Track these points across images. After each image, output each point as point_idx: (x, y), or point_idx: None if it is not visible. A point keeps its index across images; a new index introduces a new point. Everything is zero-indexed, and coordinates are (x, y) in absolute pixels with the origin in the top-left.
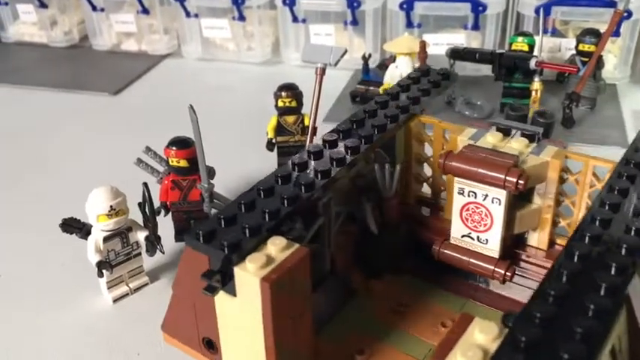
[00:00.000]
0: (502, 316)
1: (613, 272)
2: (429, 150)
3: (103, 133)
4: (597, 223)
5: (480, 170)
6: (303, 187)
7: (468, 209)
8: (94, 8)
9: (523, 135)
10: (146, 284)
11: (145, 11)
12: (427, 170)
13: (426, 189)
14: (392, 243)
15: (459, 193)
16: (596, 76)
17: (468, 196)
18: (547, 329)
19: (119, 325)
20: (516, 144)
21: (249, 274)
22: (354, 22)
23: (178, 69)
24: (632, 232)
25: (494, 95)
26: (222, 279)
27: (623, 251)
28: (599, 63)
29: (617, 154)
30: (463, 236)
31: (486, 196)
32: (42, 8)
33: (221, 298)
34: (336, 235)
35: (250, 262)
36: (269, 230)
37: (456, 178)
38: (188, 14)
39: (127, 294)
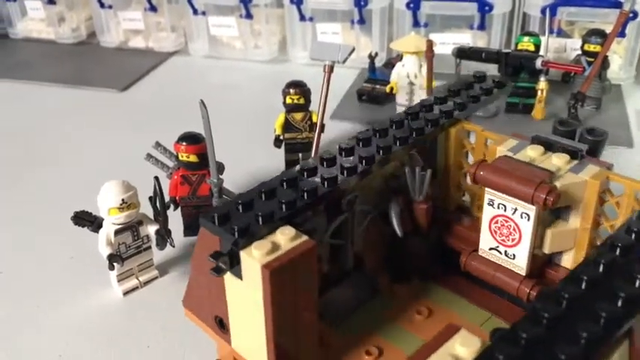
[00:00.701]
0: (491, 331)
1: (619, 303)
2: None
3: (111, 129)
4: (616, 249)
5: (510, 183)
6: (326, 182)
7: (497, 222)
8: (102, 5)
9: (566, 151)
10: (156, 278)
11: (153, 9)
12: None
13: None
14: (418, 248)
15: (488, 204)
16: (602, 77)
17: (498, 208)
18: (529, 351)
19: (129, 318)
20: (557, 160)
21: (253, 260)
22: (361, 21)
23: (185, 66)
24: None
25: (500, 94)
26: (230, 261)
27: (638, 283)
28: (605, 63)
29: (621, 153)
30: (491, 249)
31: (515, 210)
32: (50, 4)
33: (230, 280)
34: (366, 234)
35: (256, 249)
36: (282, 219)
37: (486, 189)
38: (195, 12)
39: (137, 287)
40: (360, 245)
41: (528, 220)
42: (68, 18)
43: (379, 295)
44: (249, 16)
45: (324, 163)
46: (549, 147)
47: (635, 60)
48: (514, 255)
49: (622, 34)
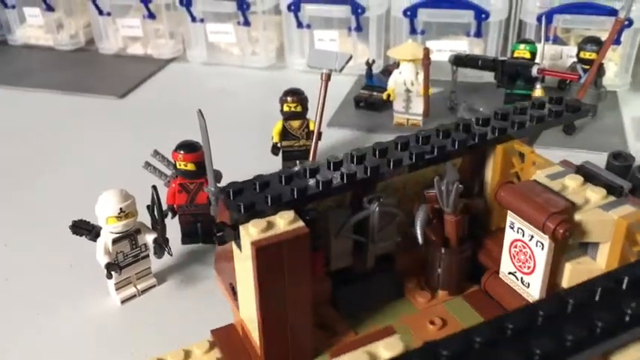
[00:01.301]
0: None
1: (558, 344)
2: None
3: (110, 136)
4: (591, 290)
5: (525, 208)
6: (345, 177)
7: (516, 246)
8: (101, 12)
9: (606, 186)
10: (154, 286)
11: (151, 16)
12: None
13: None
14: (447, 260)
15: (509, 227)
16: (597, 84)
17: (517, 232)
18: None
19: (127, 327)
20: (591, 193)
21: (247, 235)
22: (358, 29)
23: (183, 73)
24: (624, 316)
25: (496, 102)
26: (231, 234)
27: (593, 329)
28: (600, 71)
29: None
30: (509, 273)
31: (532, 237)
32: (48, 11)
33: (236, 251)
34: (402, 237)
35: (253, 226)
36: (289, 204)
37: (508, 212)
38: (194, 19)
39: (135, 295)
40: (392, 247)
41: (542, 249)
42: (67, 25)
43: (403, 299)
44: (246, 23)
45: (354, 160)
46: (591, 179)
47: (631, 67)
48: (529, 284)
49: (617, 42)
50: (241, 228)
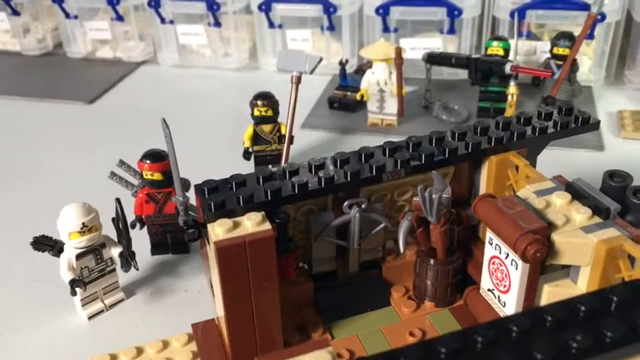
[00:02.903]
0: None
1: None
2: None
3: (78, 144)
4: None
5: (500, 225)
6: (322, 181)
7: (494, 263)
8: (68, 16)
9: (593, 206)
10: (122, 300)
11: (120, 18)
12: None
13: None
14: (429, 270)
15: (489, 242)
16: (571, 80)
17: (495, 248)
18: None
19: (95, 343)
20: (576, 213)
21: (212, 234)
22: (331, 28)
23: (154, 76)
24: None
25: (471, 99)
26: (197, 232)
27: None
28: (574, 66)
29: (591, 156)
30: (489, 290)
31: (508, 255)
32: (14, 15)
33: (209, 248)
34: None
35: (219, 225)
36: (262, 205)
37: (488, 227)
38: (163, 21)
39: (103, 310)
40: (378, 254)
41: (516, 268)
42: (33, 29)
43: (389, 307)
44: (217, 24)
45: (336, 163)
46: (579, 197)
47: (605, 61)
48: (505, 302)
49: (591, 37)
50: (209, 227)
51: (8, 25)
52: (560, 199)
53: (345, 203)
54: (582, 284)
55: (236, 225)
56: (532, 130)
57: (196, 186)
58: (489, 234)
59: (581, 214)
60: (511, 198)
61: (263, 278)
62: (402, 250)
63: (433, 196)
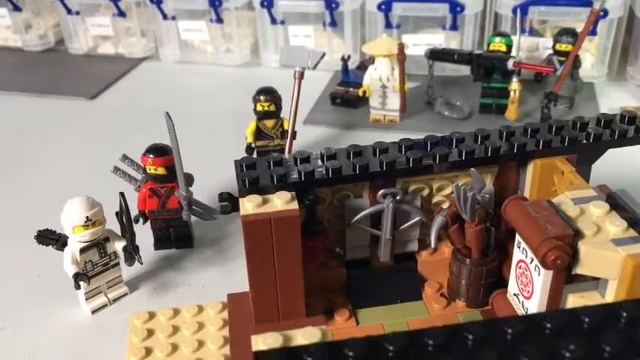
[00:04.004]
0: None
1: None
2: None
3: (80, 139)
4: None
5: (526, 228)
6: (357, 168)
7: (520, 267)
8: (69, 11)
9: (630, 219)
10: (125, 294)
11: (122, 14)
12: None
13: None
14: (462, 269)
15: (517, 245)
16: (574, 76)
17: (522, 252)
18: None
19: (99, 337)
20: (611, 225)
21: (242, 208)
22: (333, 24)
23: (156, 72)
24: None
25: (473, 95)
26: (232, 205)
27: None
28: (576, 62)
29: None
30: (514, 294)
31: (532, 260)
32: (16, 11)
33: None
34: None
35: (249, 201)
36: (295, 184)
37: (516, 230)
38: (165, 17)
39: (106, 305)
40: (414, 247)
41: (539, 275)
42: (35, 25)
43: (420, 301)
44: (219, 20)
45: (375, 153)
46: (618, 208)
47: (607, 58)
48: (527, 309)
49: (593, 33)
50: (240, 201)
51: (10, 21)
52: (597, 209)
53: (380, 192)
54: (609, 298)
55: (265, 201)
56: (585, 137)
57: (235, 161)
58: (518, 237)
59: (615, 226)
60: (541, 202)
61: (287, 255)
62: (432, 245)
63: (468, 194)
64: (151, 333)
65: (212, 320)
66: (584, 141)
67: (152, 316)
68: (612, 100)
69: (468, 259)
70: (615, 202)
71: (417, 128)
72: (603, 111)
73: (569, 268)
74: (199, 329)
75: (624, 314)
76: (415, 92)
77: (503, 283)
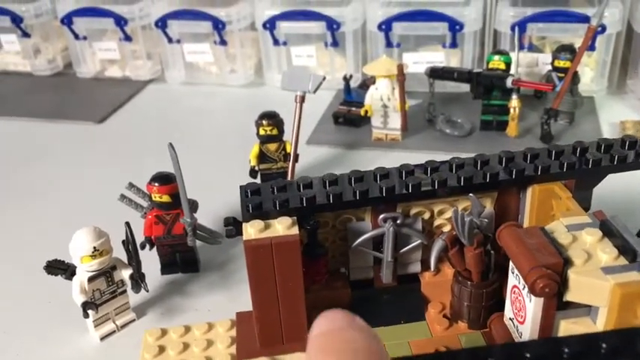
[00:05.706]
0: None
1: None
2: None
3: (88, 164)
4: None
5: (517, 255)
6: (358, 194)
7: (514, 292)
8: (77, 37)
9: (621, 247)
10: (133, 320)
11: (128, 38)
12: None
13: None
14: (463, 291)
15: (511, 271)
16: (573, 92)
17: (516, 278)
18: None
19: None
20: (602, 253)
21: (244, 234)
22: (335, 44)
23: (162, 94)
24: None
25: (474, 112)
26: (236, 229)
27: None
28: (575, 78)
29: None
30: (510, 319)
31: (525, 286)
32: (25, 37)
33: None
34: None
35: (251, 226)
36: (296, 210)
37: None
38: (170, 40)
39: (115, 331)
40: (416, 268)
41: (530, 301)
42: (44, 49)
43: (422, 322)
44: (223, 42)
45: (376, 178)
46: (611, 236)
47: (607, 71)
48: (521, 334)
49: (592, 48)
50: (243, 226)
51: (19, 46)
52: (589, 236)
53: (380, 217)
54: (600, 325)
55: (267, 227)
56: (584, 162)
57: (241, 187)
58: (512, 263)
59: (606, 254)
60: (534, 229)
61: (288, 277)
62: (432, 267)
63: (466, 218)
64: (162, 349)
65: (221, 338)
66: (583, 166)
67: (164, 333)
68: (613, 114)
69: (468, 282)
70: (608, 228)
71: (418, 146)
72: (604, 125)
73: (560, 294)
74: (208, 346)
75: (604, 345)
76: (416, 109)
77: (505, 305)
